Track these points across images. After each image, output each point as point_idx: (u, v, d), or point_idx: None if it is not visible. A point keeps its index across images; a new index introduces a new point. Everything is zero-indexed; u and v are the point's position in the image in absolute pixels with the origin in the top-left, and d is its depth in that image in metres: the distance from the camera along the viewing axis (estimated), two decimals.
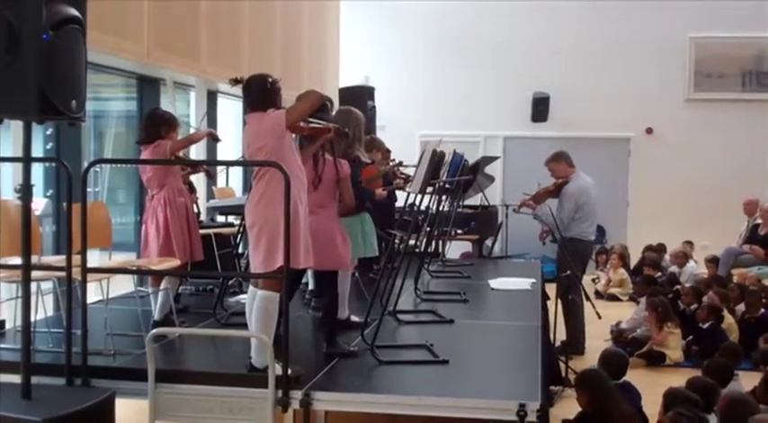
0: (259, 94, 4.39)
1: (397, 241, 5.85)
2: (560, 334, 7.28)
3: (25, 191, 3.79)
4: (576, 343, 7.76)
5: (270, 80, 4.42)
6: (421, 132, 13.24)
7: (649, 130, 13.59)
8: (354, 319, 5.46)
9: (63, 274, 4.39)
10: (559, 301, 7.33)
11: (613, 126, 13.41)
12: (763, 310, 8.27)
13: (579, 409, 5.72)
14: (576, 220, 7.90)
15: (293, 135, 4.61)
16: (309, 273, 6.18)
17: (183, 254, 5.48)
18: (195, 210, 6.21)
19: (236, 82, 4.52)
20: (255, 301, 4.23)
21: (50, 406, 3.66)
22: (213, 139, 6.39)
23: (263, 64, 8.97)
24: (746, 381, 6.09)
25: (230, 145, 8.63)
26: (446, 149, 5.80)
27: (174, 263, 5.30)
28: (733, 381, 5.83)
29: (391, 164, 7.56)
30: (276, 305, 4.19)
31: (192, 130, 7.72)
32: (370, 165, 6.51)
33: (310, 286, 6.21)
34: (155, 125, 5.61)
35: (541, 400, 3.91)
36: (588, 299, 7.42)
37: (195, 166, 6.42)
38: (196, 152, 7.82)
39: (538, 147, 13.20)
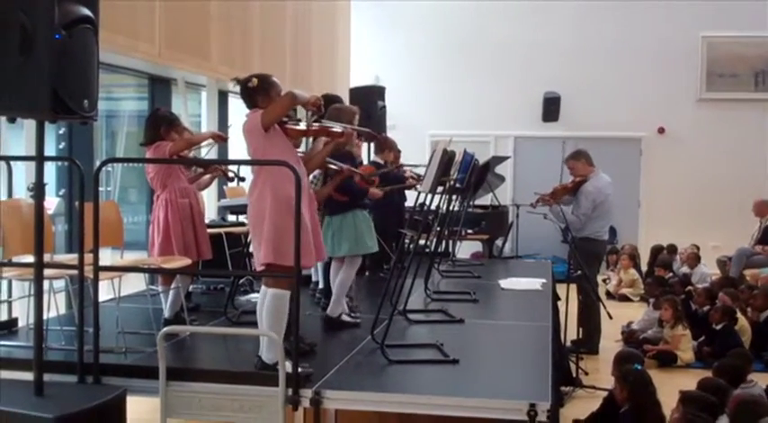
0: (244, 96, 4.43)
1: (407, 241, 5.84)
2: (571, 334, 7.27)
3: (38, 190, 3.81)
4: (590, 342, 7.77)
5: (249, 81, 4.41)
6: (431, 132, 13.25)
7: (661, 130, 13.54)
8: (346, 318, 5.46)
9: (75, 272, 4.41)
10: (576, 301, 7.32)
11: (625, 126, 13.38)
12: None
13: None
14: (592, 218, 7.88)
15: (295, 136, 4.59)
16: (320, 271, 6.20)
17: (185, 254, 5.44)
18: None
19: (238, 81, 4.55)
20: (266, 300, 4.25)
21: (62, 403, 3.67)
22: (220, 140, 6.13)
23: (274, 64, 9.00)
24: (760, 382, 6.04)
25: (243, 145, 8.63)
26: (456, 149, 5.79)
27: (185, 261, 5.31)
28: (751, 386, 5.78)
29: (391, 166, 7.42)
30: (286, 303, 4.20)
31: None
32: (365, 164, 6.46)
33: (320, 285, 6.22)
34: (154, 126, 5.59)
35: (552, 401, 3.90)
36: (599, 299, 7.40)
37: (206, 166, 6.32)
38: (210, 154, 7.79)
39: (549, 147, 13.22)
